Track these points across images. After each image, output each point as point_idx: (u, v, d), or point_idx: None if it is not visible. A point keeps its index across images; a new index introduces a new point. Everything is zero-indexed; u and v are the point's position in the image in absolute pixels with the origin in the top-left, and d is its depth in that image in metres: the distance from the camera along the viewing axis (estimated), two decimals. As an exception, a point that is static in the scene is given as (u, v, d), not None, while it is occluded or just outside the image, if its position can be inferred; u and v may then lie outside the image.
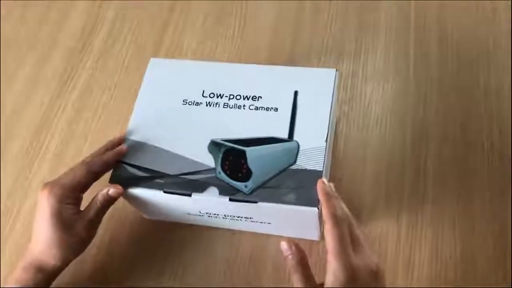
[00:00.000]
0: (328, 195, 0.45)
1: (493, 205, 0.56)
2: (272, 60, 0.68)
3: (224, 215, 0.52)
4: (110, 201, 0.50)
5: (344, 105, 0.64)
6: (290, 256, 0.44)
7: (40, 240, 0.48)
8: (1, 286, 0.49)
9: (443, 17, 0.70)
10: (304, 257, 0.45)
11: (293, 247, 0.45)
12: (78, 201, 0.50)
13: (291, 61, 0.68)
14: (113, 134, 0.54)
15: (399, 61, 0.67)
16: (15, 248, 0.59)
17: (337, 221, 0.42)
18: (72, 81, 0.71)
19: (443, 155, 0.60)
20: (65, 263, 0.50)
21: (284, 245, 0.45)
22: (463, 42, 0.67)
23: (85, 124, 0.67)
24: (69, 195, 0.48)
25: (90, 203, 0.50)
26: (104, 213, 0.51)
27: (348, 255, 0.41)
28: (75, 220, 0.48)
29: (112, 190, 0.49)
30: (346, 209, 0.44)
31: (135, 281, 0.56)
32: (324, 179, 0.47)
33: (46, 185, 0.48)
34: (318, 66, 0.67)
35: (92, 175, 0.50)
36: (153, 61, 0.58)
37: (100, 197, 0.49)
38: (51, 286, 0.50)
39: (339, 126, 0.63)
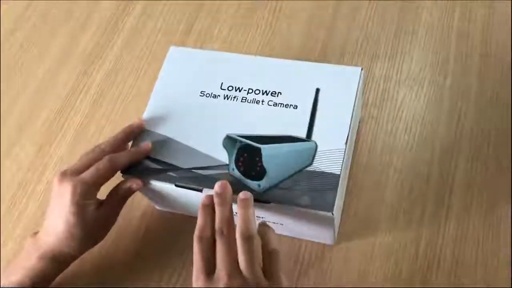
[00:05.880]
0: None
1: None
2: (303, 55, 0.66)
3: (235, 213, 0.50)
4: (130, 193, 0.50)
5: (374, 108, 0.62)
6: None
7: (59, 232, 0.47)
8: (9, 270, 0.49)
9: (490, 26, 0.66)
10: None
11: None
12: (97, 194, 0.48)
13: (322, 59, 0.66)
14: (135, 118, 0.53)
15: (436, 68, 0.64)
16: (28, 224, 0.60)
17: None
18: (101, 60, 0.71)
19: (472, 174, 0.57)
20: (81, 253, 0.50)
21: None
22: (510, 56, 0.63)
23: (108, 104, 0.67)
24: (92, 191, 0.47)
25: (110, 196, 0.50)
26: (123, 204, 0.51)
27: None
28: (96, 215, 0.48)
29: (134, 185, 0.49)
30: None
31: (140, 278, 0.55)
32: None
33: (65, 177, 0.46)
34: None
35: (115, 172, 0.48)
36: (172, 49, 0.56)
37: (121, 191, 0.49)
38: (52, 287, 0.50)
39: (366, 129, 0.60)
